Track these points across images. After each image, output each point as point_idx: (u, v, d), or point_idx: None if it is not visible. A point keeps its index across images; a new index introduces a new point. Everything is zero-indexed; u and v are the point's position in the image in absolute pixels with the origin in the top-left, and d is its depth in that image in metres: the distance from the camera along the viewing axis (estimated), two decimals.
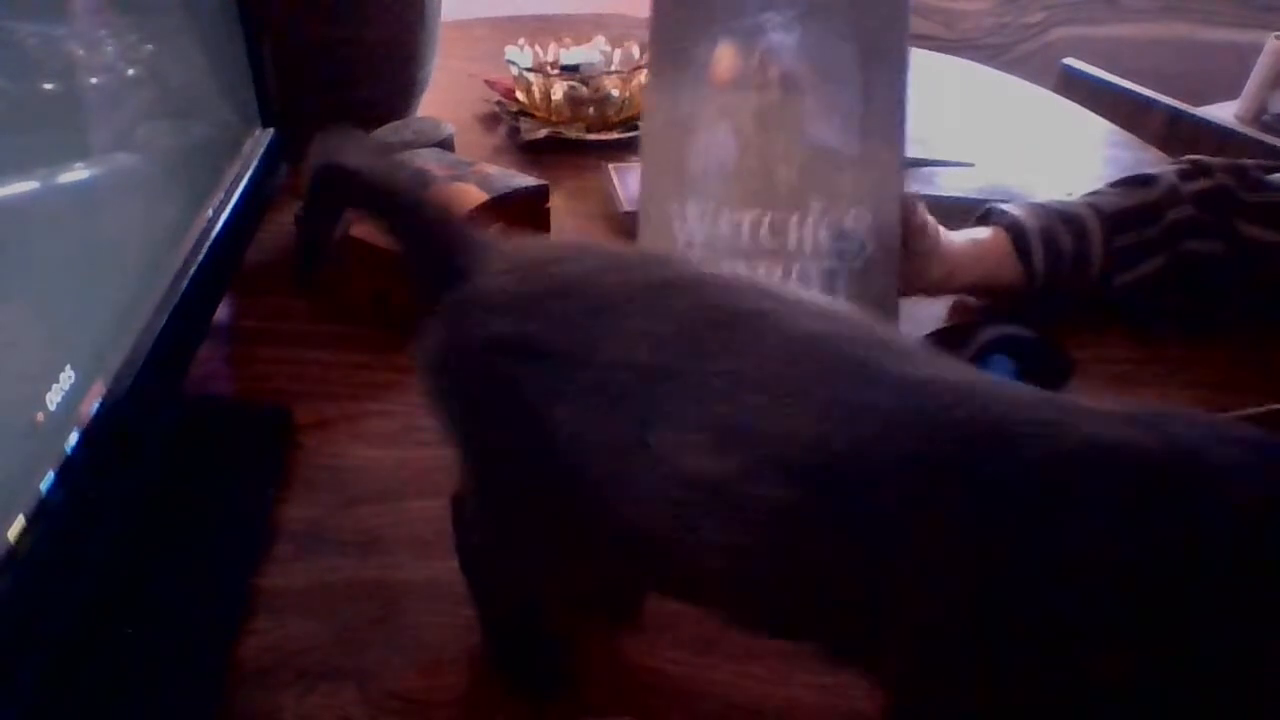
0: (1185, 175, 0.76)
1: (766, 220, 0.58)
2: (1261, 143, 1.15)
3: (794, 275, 0.58)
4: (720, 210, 0.58)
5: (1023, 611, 0.35)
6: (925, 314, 0.76)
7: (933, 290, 0.73)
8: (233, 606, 0.53)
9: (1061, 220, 0.75)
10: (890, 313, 0.60)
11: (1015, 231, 0.74)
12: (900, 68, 0.60)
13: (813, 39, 0.58)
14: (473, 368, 0.43)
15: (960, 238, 0.74)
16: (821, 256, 0.58)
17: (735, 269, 0.58)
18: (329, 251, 0.52)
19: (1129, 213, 0.75)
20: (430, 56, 1.03)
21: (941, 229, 0.70)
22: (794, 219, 0.58)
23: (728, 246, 0.57)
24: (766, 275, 0.59)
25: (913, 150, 1.01)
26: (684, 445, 0.37)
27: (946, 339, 0.69)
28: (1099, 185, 0.79)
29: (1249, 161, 0.77)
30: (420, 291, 0.45)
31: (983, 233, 0.76)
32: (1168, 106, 1.25)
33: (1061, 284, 0.75)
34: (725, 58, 0.58)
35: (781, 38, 0.58)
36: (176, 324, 0.54)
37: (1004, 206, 0.77)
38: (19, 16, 0.42)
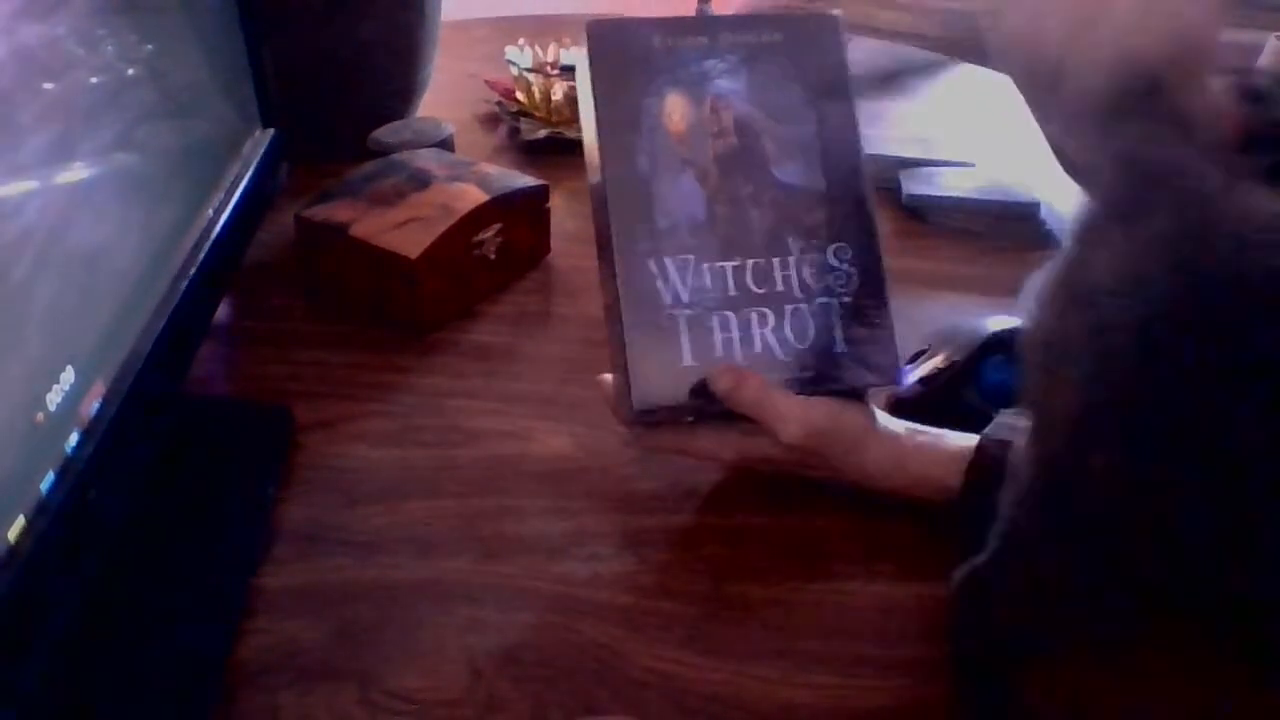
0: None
1: (749, 266, 0.58)
2: None
3: (788, 318, 0.58)
4: (700, 262, 0.58)
5: None
6: (922, 315, 0.76)
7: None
8: (233, 606, 0.53)
9: None
10: (888, 337, 0.59)
11: None
12: (847, 100, 0.61)
13: (759, 82, 0.60)
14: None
15: None
16: (812, 296, 0.58)
17: (726, 320, 0.57)
18: None
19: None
20: (430, 56, 1.03)
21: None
22: (776, 262, 0.58)
23: (715, 298, 0.57)
24: (759, 322, 0.58)
25: (913, 150, 1.02)
26: None
27: (945, 338, 0.70)
28: None
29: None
30: None
31: None
32: None
33: None
34: (676, 108, 0.59)
35: (728, 84, 0.60)
36: (176, 324, 0.54)
37: None
38: (20, 16, 0.42)
